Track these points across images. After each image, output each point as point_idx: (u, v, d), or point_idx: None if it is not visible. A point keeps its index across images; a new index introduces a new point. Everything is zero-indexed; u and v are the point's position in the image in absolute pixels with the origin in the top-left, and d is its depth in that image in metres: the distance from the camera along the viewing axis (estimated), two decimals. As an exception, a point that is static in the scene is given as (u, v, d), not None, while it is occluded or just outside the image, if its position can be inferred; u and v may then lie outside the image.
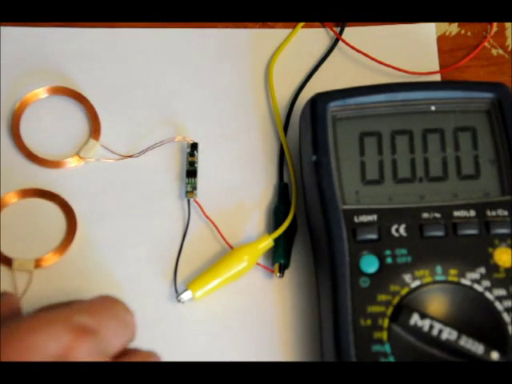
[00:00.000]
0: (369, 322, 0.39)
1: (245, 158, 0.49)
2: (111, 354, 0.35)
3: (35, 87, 0.49)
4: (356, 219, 0.41)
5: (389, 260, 0.40)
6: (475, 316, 0.39)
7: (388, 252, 0.40)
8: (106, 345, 0.35)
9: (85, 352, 0.33)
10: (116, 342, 0.36)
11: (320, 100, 0.43)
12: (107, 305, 0.37)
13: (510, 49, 0.53)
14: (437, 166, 0.43)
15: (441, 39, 0.53)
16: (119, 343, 0.36)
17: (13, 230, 0.46)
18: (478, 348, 0.38)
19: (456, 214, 0.41)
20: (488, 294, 0.39)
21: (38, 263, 0.45)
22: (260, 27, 0.53)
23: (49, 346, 0.32)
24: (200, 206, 0.47)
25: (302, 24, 0.52)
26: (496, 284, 0.39)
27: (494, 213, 0.41)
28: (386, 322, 0.39)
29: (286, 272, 0.45)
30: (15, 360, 0.32)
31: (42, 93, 0.49)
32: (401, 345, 0.38)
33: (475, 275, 0.40)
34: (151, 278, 0.45)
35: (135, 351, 0.37)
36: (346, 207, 0.41)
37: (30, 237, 0.46)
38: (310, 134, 0.43)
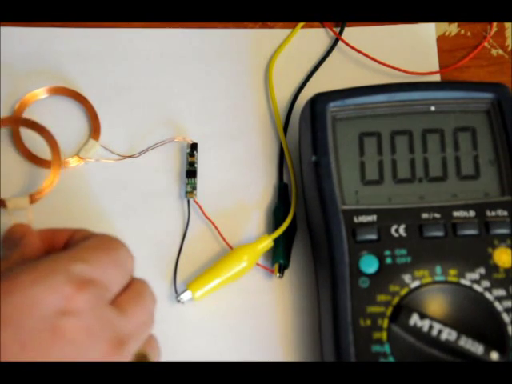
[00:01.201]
0: (368, 322, 0.39)
1: (245, 158, 0.49)
2: (110, 301, 0.35)
3: (35, 87, 0.49)
4: (356, 219, 0.41)
5: (388, 260, 0.40)
6: (475, 316, 0.39)
7: (388, 252, 0.40)
8: (105, 293, 0.35)
9: (84, 303, 0.33)
10: (115, 289, 0.36)
11: (320, 100, 0.43)
12: (110, 248, 0.37)
13: (509, 49, 0.53)
14: (436, 166, 0.43)
15: (441, 39, 0.53)
16: (116, 289, 0.36)
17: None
18: (477, 348, 0.38)
19: (456, 214, 0.41)
20: (487, 295, 0.39)
21: (32, 199, 0.45)
22: (260, 27, 0.53)
23: (49, 298, 0.33)
24: (200, 206, 0.47)
25: (301, 24, 0.52)
26: (495, 284, 0.39)
27: (493, 213, 0.41)
28: (385, 323, 0.39)
29: (286, 272, 0.45)
30: (17, 316, 0.32)
31: (41, 93, 0.49)
32: (400, 345, 0.38)
33: (475, 275, 0.40)
34: (151, 277, 0.45)
35: (132, 281, 0.38)
36: (345, 207, 0.41)
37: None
38: (310, 134, 0.43)
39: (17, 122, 0.47)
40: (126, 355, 0.35)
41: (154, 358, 0.38)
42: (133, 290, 0.37)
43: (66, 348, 0.33)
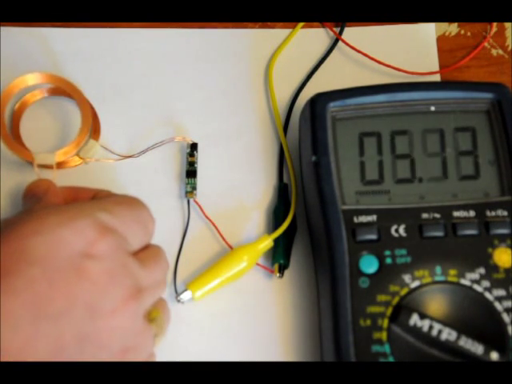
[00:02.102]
0: (368, 322, 0.39)
1: (245, 158, 0.49)
2: (129, 253, 0.36)
3: (35, 87, 0.49)
4: (356, 219, 0.41)
5: (388, 260, 0.40)
6: (475, 316, 0.39)
7: (387, 252, 0.40)
8: (125, 244, 0.36)
9: (106, 248, 0.35)
10: (134, 243, 0.37)
11: (320, 100, 0.43)
12: (133, 207, 0.38)
13: (509, 49, 0.53)
14: (436, 166, 0.43)
15: (441, 39, 0.53)
16: (137, 245, 0.38)
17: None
18: (477, 348, 0.38)
19: (456, 214, 0.41)
20: (487, 295, 0.39)
21: (58, 157, 0.46)
22: (260, 27, 0.53)
23: (74, 240, 0.34)
24: (200, 206, 0.47)
25: (301, 24, 0.52)
26: (495, 284, 0.39)
27: (493, 213, 0.41)
28: (385, 323, 0.39)
29: (286, 272, 0.45)
30: (45, 254, 0.33)
31: (41, 93, 0.49)
32: (400, 345, 0.38)
33: (475, 275, 0.40)
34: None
35: (150, 244, 0.39)
36: (345, 207, 0.41)
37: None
38: (310, 134, 0.43)
39: (50, 79, 0.47)
40: (142, 306, 0.36)
41: (165, 321, 0.39)
42: (151, 250, 0.39)
43: (90, 289, 0.34)
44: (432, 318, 0.38)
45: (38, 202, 0.39)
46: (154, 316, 0.38)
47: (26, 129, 0.49)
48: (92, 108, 0.49)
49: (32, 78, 0.47)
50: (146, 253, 0.38)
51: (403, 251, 0.40)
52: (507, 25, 0.53)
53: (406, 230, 0.41)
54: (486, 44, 0.53)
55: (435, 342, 0.38)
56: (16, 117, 0.49)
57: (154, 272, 0.38)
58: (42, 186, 0.40)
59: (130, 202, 0.39)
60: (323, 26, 0.53)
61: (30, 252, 0.33)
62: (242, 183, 0.48)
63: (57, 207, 0.36)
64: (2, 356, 0.31)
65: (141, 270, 0.37)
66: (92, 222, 0.35)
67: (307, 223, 0.46)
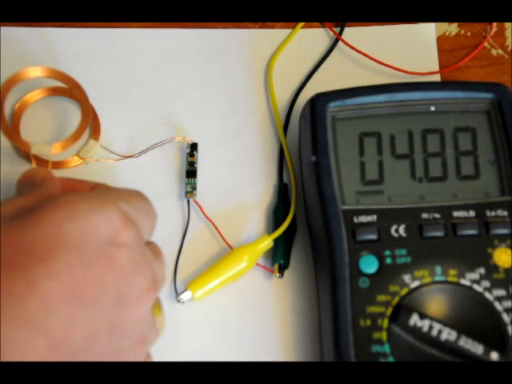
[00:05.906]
0: (368, 322, 0.39)
1: (245, 158, 0.49)
2: (144, 244, 0.37)
3: (35, 87, 0.49)
4: (355, 219, 0.41)
5: (388, 260, 0.40)
6: (475, 316, 0.39)
7: (387, 252, 0.40)
8: (141, 235, 0.36)
9: (129, 238, 0.35)
10: (145, 236, 0.37)
11: (320, 100, 0.43)
12: (143, 202, 0.38)
13: (509, 49, 0.53)
14: (436, 166, 0.43)
15: (441, 39, 0.53)
16: (146, 237, 0.38)
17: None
18: (477, 348, 0.38)
19: (455, 214, 0.41)
20: (487, 295, 0.39)
21: (55, 149, 0.46)
22: (260, 27, 0.53)
23: (103, 227, 0.34)
24: (200, 206, 0.47)
25: (301, 24, 0.52)
26: (495, 284, 0.39)
27: (493, 213, 0.41)
28: (385, 323, 0.39)
29: (286, 272, 0.45)
30: (79, 240, 0.33)
31: (41, 93, 0.49)
32: (400, 345, 0.38)
33: (475, 275, 0.40)
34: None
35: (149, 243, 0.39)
36: (345, 207, 0.41)
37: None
38: (310, 134, 0.43)
39: (51, 73, 0.47)
40: (155, 297, 0.37)
41: (164, 318, 0.40)
42: (153, 245, 0.39)
43: (118, 276, 0.34)
44: (432, 318, 0.38)
45: (37, 189, 0.38)
46: (156, 311, 0.38)
47: (26, 128, 0.49)
48: (92, 108, 0.49)
49: (33, 71, 0.46)
50: (152, 246, 0.39)
51: (403, 251, 0.40)
52: (507, 25, 0.53)
53: (406, 230, 0.41)
54: (485, 44, 0.53)
55: (435, 342, 0.38)
56: (16, 117, 0.49)
57: (162, 266, 0.39)
58: (40, 173, 0.40)
59: (140, 195, 0.39)
60: (323, 26, 0.53)
61: (66, 237, 0.33)
62: (241, 183, 0.48)
63: (83, 193, 0.36)
64: (45, 340, 0.31)
65: (154, 262, 0.37)
66: (117, 211, 0.35)
67: (307, 223, 0.46)
